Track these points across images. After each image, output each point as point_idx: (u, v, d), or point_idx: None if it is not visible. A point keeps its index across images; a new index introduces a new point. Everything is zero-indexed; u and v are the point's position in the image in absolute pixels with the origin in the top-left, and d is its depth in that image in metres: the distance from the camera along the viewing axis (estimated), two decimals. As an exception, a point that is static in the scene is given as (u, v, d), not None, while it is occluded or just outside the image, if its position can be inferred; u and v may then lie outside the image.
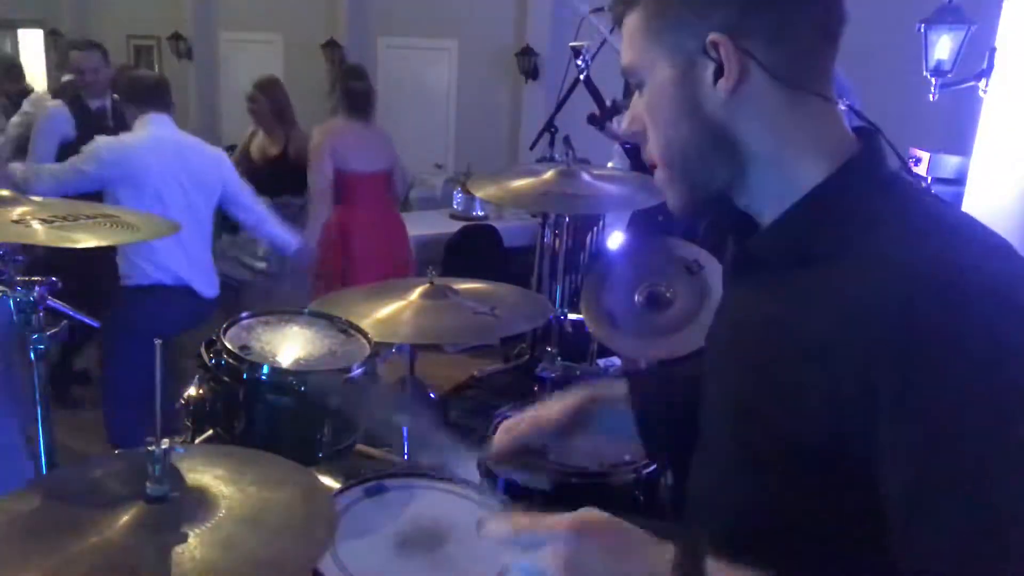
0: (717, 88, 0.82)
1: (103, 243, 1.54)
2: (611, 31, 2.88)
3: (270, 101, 4.03)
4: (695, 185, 0.89)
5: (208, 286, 2.98)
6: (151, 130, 2.83)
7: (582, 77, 2.98)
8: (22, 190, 2.71)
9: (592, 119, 3.11)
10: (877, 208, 0.80)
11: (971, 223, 0.81)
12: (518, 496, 1.32)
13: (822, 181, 0.83)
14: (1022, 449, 0.67)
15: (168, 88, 2.96)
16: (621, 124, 3.04)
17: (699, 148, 0.86)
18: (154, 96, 2.88)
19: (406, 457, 1.78)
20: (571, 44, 3.00)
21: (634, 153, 3.16)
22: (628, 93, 3.66)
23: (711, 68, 0.82)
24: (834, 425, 0.76)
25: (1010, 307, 0.70)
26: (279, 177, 3.90)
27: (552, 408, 1.17)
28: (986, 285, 0.70)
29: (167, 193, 2.78)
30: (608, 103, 3.08)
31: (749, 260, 0.92)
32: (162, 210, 2.69)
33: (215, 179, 2.96)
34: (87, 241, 1.52)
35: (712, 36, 0.80)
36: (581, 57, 2.94)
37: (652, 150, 0.91)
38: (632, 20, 0.88)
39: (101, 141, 2.79)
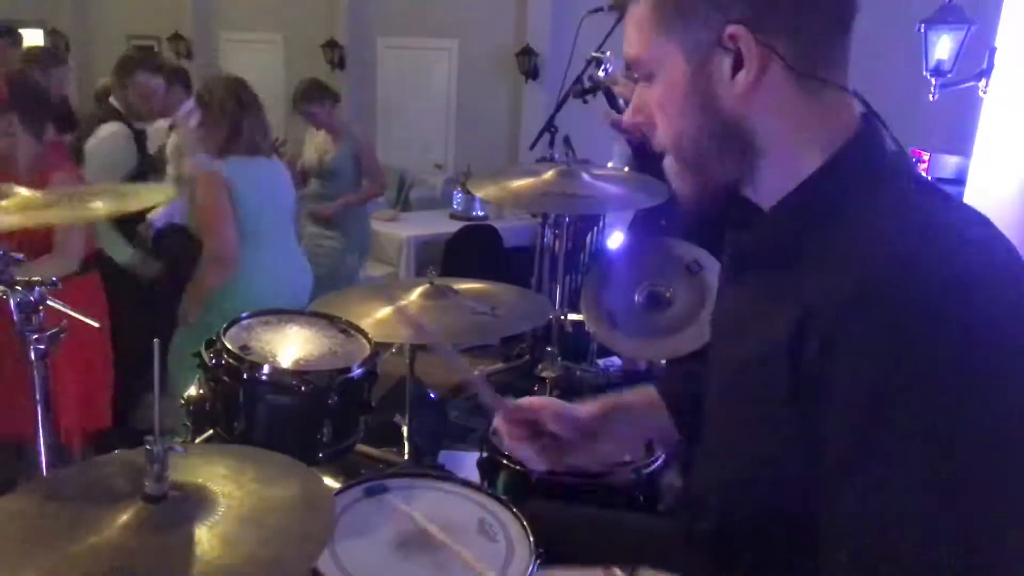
0: (735, 81, 0.80)
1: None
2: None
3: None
4: (707, 177, 0.88)
5: None
6: None
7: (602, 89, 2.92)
8: None
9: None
10: (857, 202, 0.79)
11: (955, 216, 0.79)
12: (517, 496, 1.32)
13: (810, 174, 0.82)
14: (914, 440, 0.67)
15: None
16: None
17: (713, 141, 0.84)
18: None
19: (406, 457, 1.78)
20: (593, 54, 2.91)
21: (639, 150, 3.13)
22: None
23: (728, 61, 0.80)
24: (796, 422, 0.77)
25: (956, 315, 0.67)
26: None
27: (580, 409, 1.18)
28: (935, 288, 0.68)
29: None
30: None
31: (744, 256, 0.93)
32: None
33: None
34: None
35: (731, 29, 0.78)
36: (603, 67, 2.87)
37: (663, 140, 0.89)
38: (640, 10, 0.85)
39: None
